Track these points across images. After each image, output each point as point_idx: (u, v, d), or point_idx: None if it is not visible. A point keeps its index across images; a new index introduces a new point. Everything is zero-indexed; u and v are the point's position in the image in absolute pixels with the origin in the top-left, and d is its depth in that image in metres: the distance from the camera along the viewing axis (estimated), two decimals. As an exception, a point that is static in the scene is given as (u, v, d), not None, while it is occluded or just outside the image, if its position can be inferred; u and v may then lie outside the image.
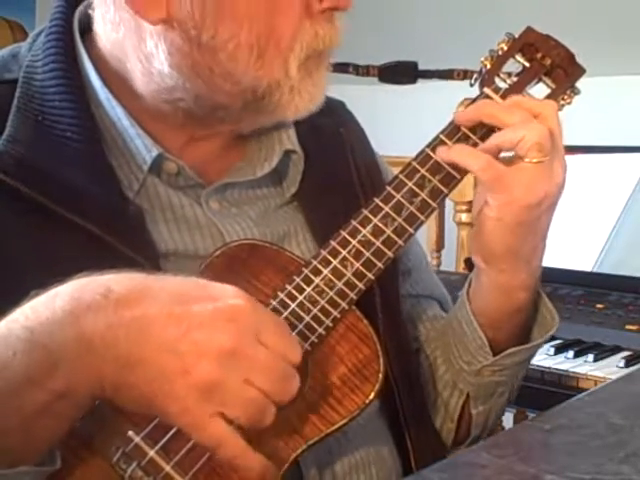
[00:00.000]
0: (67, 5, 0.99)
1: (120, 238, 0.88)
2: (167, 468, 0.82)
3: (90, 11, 0.98)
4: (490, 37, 1.03)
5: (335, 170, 1.06)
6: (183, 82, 0.92)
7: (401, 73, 1.20)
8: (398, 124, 2.88)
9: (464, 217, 2.13)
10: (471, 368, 1.05)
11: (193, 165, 0.97)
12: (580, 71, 1.01)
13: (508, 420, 1.90)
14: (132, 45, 0.93)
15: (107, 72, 0.96)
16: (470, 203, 2.09)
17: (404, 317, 1.11)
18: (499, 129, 0.95)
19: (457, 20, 2.76)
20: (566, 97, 1.01)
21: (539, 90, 1.01)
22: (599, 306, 1.75)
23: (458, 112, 0.98)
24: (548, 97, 1.00)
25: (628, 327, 1.67)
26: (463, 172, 0.96)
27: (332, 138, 1.09)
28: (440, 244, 2.21)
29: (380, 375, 0.90)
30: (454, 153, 0.95)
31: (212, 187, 0.98)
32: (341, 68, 1.19)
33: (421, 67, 1.19)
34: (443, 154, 0.95)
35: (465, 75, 1.09)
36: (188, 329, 0.74)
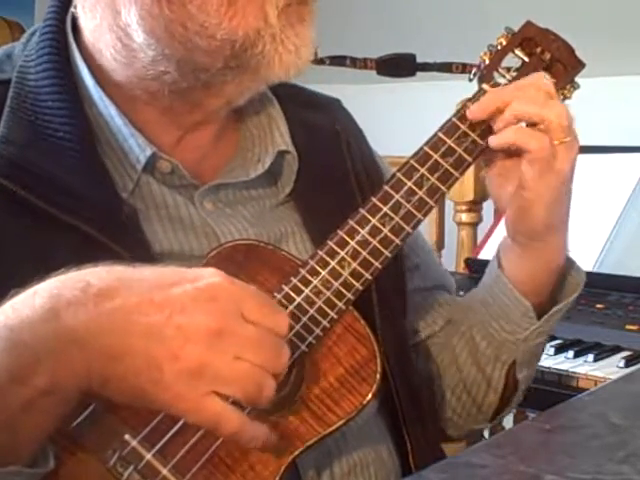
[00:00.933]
0: (61, 5, 0.99)
1: (114, 239, 0.88)
2: (164, 471, 0.81)
3: (73, 10, 0.98)
4: (489, 33, 1.03)
5: (331, 168, 1.06)
6: (162, 49, 0.91)
7: (399, 66, 1.20)
8: (397, 124, 2.88)
9: (464, 217, 2.13)
10: (516, 337, 1.07)
11: (186, 164, 0.97)
12: (580, 65, 1.01)
13: (508, 420, 1.90)
14: (109, 25, 0.93)
15: (98, 70, 0.96)
16: (470, 203, 2.09)
17: (418, 310, 1.13)
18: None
19: (458, 15, 2.76)
20: (566, 92, 1.01)
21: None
22: (599, 306, 1.75)
23: (470, 108, 0.97)
24: None
25: (628, 327, 1.67)
26: (462, 170, 0.96)
27: (327, 136, 1.08)
28: (440, 244, 2.21)
29: (377, 376, 0.90)
30: (512, 134, 0.96)
31: (205, 187, 0.98)
32: (338, 61, 1.19)
33: (420, 61, 1.19)
34: (495, 141, 0.97)
35: (464, 69, 1.08)
36: (171, 314, 0.74)
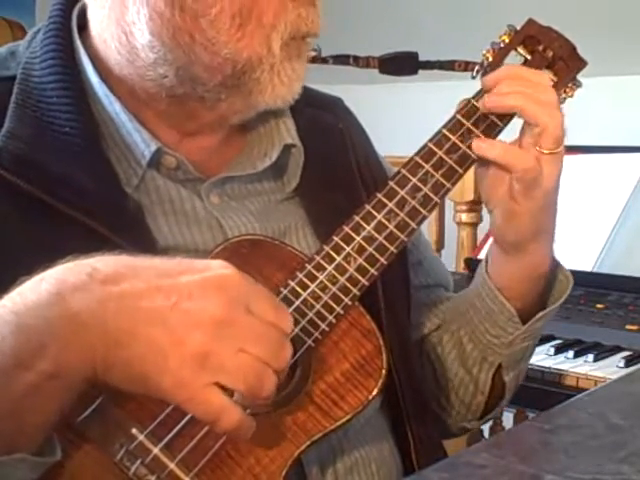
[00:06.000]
0: (66, 2, 1.00)
1: (119, 233, 0.88)
2: (171, 465, 0.82)
3: None
4: (492, 32, 1.04)
5: (335, 165, 1.06)
6: (164, 53, 0.92)
7: (401, 64, 1.20)
8: (399, 124, 2.88)
9: (464, 217, 2.13)
10: (501, 340, 1.08)
11: (192, 159, 0.97)
12: (582, 63, 1.01)
13: (508, 420, 1.90)
14: (116, 18, 0.93)
15: (103, 65, 0.96)
16: (470, 203, 2.09)
17: (419, 307, 1.14)
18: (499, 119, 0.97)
19: (460, 13, 2.76)
20: (568, 90, 1.02)
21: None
22: (599, 306, 1.75)
23: (484, 99, 0.98)
24: None
25: (628, 327, 1.67)
26: (466, 167, 0.97)
27: (331, 133, 1.09)
28: (440, 244, 2.21)
29: (383, 371, 0.90)
30: (497, 151, 0.98)
31: (211, 180, 0.98)
32: (341, 60, 1.19)
33: (422, 59, 1.19)
34: (481, 150, 0.97)
35: (467, 67, 1.08)
36: (178, 300, 0.74)
